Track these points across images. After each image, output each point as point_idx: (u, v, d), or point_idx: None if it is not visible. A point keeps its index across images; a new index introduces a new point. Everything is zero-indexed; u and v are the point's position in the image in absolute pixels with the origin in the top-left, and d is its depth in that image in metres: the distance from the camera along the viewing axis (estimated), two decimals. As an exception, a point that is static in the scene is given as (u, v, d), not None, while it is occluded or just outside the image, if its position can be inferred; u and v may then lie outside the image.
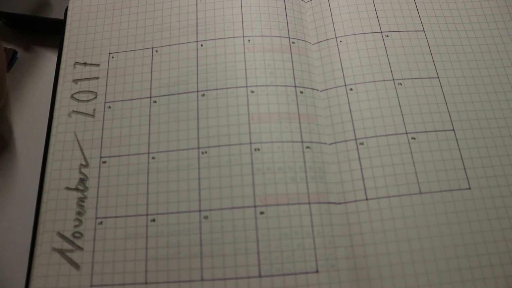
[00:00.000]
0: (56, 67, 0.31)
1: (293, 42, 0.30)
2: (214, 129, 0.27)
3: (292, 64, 0.29)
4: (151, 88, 0.29)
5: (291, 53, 0.29)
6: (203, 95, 0.28)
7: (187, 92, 0.29)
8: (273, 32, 0.30)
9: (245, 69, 0.29)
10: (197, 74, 0.29)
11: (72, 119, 0.29)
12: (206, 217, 0.25)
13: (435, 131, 0.27)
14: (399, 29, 0.30)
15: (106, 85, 0.30)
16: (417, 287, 0.23)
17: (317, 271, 0.24)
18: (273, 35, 0.30)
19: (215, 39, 0.30)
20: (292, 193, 0.26)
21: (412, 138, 0.27)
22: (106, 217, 0.26)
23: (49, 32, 0.36)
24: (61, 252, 0.26)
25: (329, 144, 0.27)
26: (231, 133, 0.27)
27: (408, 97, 0.28)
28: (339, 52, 0.29)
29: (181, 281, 0.24)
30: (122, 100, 0.29)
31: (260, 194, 0.26)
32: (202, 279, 0.24)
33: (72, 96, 0.30)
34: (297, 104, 0.28)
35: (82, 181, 0.27)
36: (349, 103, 0.28)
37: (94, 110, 0.29)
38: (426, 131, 0.27)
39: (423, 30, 0.30)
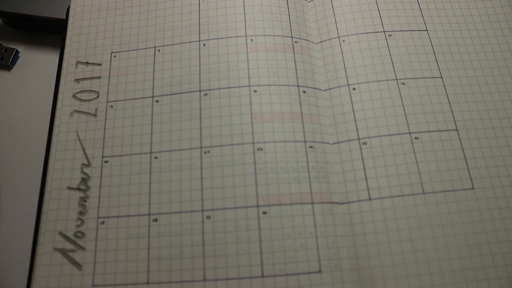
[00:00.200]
0: (58, 66, 0.31)
1: (295, 42, 0.30)
2: (216, 129, 0.27)
3: (295, 64, 0.29)
4: (153, 88, 0.29)
5: (293, 53, 0.29)
6: (206, 94, 0.28)
7: (190, 92, 0.29)
8: (275, 32, 0.30)
9: (248, 69, 0.29)
10: (200, 73, 0.29)
11: (74, 119, 0.29)
12: (208, 217, 0.25)
13: (438, 131, 0.27)
14: (402, 28, 0.30)
15: (108, 84, 0.30)
16: (420, 287, 0.23)
17: (320, 271, 0.24)
18: (275, 35, 0.30)
19: (217, 38, 0.30)
20: (295, 193, 0.25)
21: (415, 138, 0.27)
22: (108, 217, 0.26)
23: (51, 31, 0.36)
24: (63, 252, 0.25)
25: (332, 144, 0.27)
26: (234, 132, 0.27)
27: (411, 97, 0.28)
28: (342, 52, 0.29)
29: (183, 281, 0.24)
30: (124, 100, 0.29)
31: (263, 194, 0.25)
32: (204, 279, 0.24)
33: (74, 96, 0.30)
34: (300, 103, 0.28)
35: (84, 180, 0.27)
36: (352, 102, 0.28)
37: (96, 109, 0.29)
38: (429, 131, 0.27)
39: (426, 30, 0.30)
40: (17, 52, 0.35)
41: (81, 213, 0.26)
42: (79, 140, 0.28)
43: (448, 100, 0.28)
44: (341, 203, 0.26)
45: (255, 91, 0.28)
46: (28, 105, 0.33)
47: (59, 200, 0.27)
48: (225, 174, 0.26)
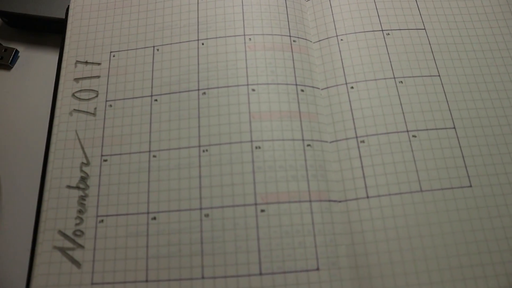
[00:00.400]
0: (57, 66, 0.31)
1: (294, 41, 0.30)
2: (215, 128, 0.27)
3: (293, 63, 0.29)
4: (152, 87, 0.29)
5: (292, 52, 0.29)
6: (204, 93, 0.28)
7: (188, 91, 0.29)
8: (274, 31, 0.30)
9: (246, 68, 0.29)
10: (198, 72, 0.29)
11: (73, 118, 0.29)
12: (207, 215, 0.25)
13: (436, 129, 0.27)
14: (400, 27, 0.30)
15: (107, 83, 0.30)
16: (418, 285, 0.23)
17: (318, 269, 0.24)
18: (274, 34, 0.30)
19: (216, 37, 0.30)
20: (293, 191, 0.26)
21: (413, 136, 0.27)
22: (107, 215, 0.26)
23: (51, 31, 0.36)
24: (62, 250, 0.26)
25: (330, 142, 0.27)
26: (232, 131, 0.27)
27: (409, 95, 0.28)
28: (340, 51, 0.29)
29: (182, 279, 0.24)
30: (123, 99, 0.29)
31: (261, 192, 0.26)
32: (203, 277, 0.24)
33: (73, 95, 0.30)
34: (298, 102, 0.28)
35: (83, 179, 0.27)
36: (350, 101, 0.28)
37: (95, 108, 0.29)
38: (427, 129, 0.27)
39: (424, 28, 0.30)
40: (17, 51, 0.35)
41: (80, 211, 0.26)
42: (78, 139, 0.28)
43: (446, 98, 0.28)
44: (339, 201, 0.26)
45: (253, 90, 0.28)
46: (28, 104, 0.34)
47: (59, 198, 0.27)
48: (223, 172, 0.26)
